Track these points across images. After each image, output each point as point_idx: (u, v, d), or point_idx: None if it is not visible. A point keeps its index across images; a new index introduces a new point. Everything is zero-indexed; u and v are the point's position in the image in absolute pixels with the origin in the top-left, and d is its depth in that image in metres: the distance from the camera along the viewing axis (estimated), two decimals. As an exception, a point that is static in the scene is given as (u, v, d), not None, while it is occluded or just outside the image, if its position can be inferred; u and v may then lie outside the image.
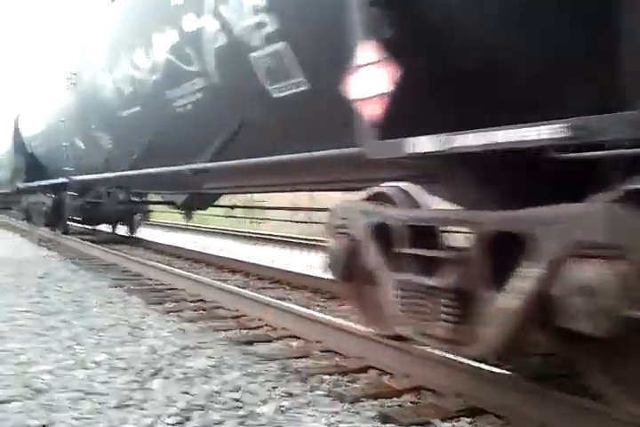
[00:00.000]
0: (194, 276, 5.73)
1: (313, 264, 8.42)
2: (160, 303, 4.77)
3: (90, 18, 8.22)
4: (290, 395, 2.63)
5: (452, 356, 2.68)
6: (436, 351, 2.80)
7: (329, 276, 3.51)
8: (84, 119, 7.79)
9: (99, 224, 11.99)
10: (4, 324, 3.91)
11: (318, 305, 4.91)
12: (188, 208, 8.61)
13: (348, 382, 2.85)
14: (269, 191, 7.66)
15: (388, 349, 3.06)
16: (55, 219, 11.36)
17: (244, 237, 13.31)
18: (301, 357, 3.26)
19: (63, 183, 9.88)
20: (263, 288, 5.76)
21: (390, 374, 2.92)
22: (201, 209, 9.07)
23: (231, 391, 2.66)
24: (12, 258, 7.74)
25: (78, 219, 10.96)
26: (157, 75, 5.06)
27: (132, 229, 11.57)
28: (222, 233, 14.15)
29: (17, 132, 13.38)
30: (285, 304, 4.28)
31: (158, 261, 7.48)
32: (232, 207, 11.65)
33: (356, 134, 2.53)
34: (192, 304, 4.79)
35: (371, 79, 2.39)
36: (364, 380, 2.88)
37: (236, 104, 4.14)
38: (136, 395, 2.60)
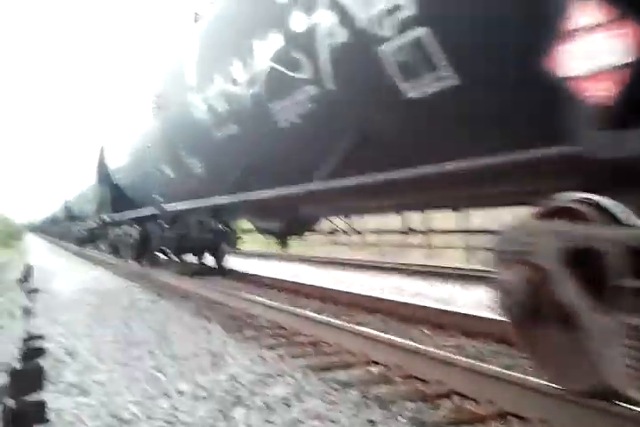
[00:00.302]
0: (271, 302, 5.77)
1: (385, 287, 8.37)
2: (239, 331, 4.83)
3: (172, 39, 8.07)
4: (372, 422, 2.60)
5: (540, 381, 2.60)
6: (525, 376, 2.73)
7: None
8: (171, 144, 7.36)
9: (185, 254, 11.33)
10: (91, 355, 4.04)
11: (393, 329, 4.86)
12: (284, 235, 7.95)
13: (431, 408, 2.80)
14: (390, 212, 6.64)
15: (470, 373, 2.99)
16: (142, 251, 11.15)
17: (320, 262, 13.40)
18: (381, 383, 3.23)
19: (151, 214, 9.56)
20: (339, 313, 5.74)
21: (474, 399, 2.85)
22: (298, 235, 8.24)
23: (312, 419, 2.66)
24: (97, 290, 8.03)
25: (167, 250, 10.45)
26: (257, 87, 4.53)
27: (220, 259, 10.94)
28: (299, 259, 14.24)
29: (101, 164, 13.31)
30: (362, 329, 4.24)
31: (236, 289, 7.57)
32: (333, 232, 9.71)
33: (561, 126, 1.96)
34: (270, 331, 4.82)
35: (597, 48, 1.84)
36: (447, 406, 2.83)
37: (358, 111, 3.63)
38: (219, 424, 2.64)
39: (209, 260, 11.00)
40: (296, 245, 15.45)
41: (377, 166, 3.53)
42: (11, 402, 2.74)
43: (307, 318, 4.87)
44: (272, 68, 4.23)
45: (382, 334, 4.03)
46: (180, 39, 7.28)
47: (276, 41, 4.12)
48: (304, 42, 3.74)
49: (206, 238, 9.60)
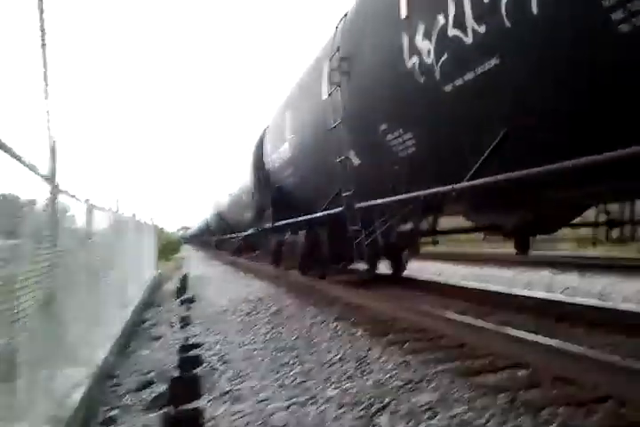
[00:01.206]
0: (414, 305, 5.72)
1: (533, 283, 8.04)
2: (384, 335, 4.84)
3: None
4: (521, 430, 2.52)
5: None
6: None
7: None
8: (364, 119, 5.64)
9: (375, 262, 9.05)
10: (244, 362, 4.23)
11: (544, 328, 4.66)
12: (523, 233, 5.64)
13: (585, 414, 2.66)
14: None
15: (631, 376, 2.81)
16: (310, 259, 9.50)
17: (461, 259, 13.15)
18: (530, 387, 3.11)
19: (326, 216, 7.63)
20: (484, 313, 5.60)
21: (633, 404, 2.67)
22: (544, 233, 5.72)
23: (459, 427, 2.62)
24: (247, 298, 8.37)
25: (349, 257, 8.15)
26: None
27: (401, 268, 9.20)
28: (439, 256, 13.98)
29: (258, 163, 11.94)
30: (509, 330, 4.10)
31: (379, 290, 7.57)
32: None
33: None
34: (415, 335, 4.79)
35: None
36: (603, 411, 2.67)
37: None
38: (365, 431, 2.67)
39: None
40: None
41: None
42: (171, 409, 2.94)
43: (451, 320, 4.79)
44: None
45: (529, 335, 3.87)
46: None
47: None
48: None
49: (391, 243, 7.16)
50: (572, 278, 8.65)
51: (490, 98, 3.65)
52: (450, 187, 4.25)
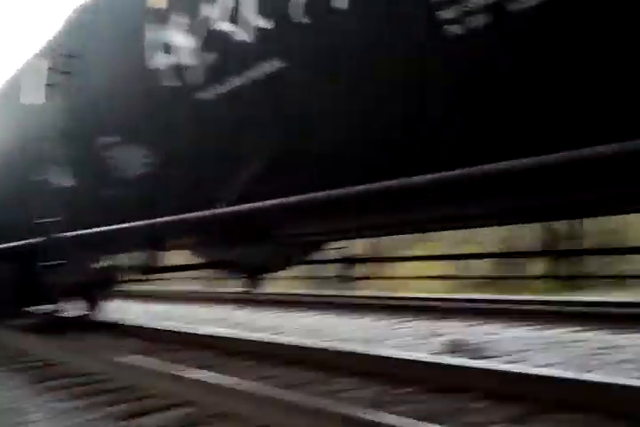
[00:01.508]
0: (79, 348, 5.40)
1: (203, 320, 8.23)
2: (46, 381, 4.46)
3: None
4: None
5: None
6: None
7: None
8: (83, 131, 4.68)
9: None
10: None
11: (215, 365, 4.75)
12: (256, 271, 5.27)
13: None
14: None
15: (284, 407, 3.00)
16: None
17: (137, 296, 12.94)
18: (195, 423, 3.13)
19: (15, 248, 6.40)
20: (159, 351, 5.53)
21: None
22: (276, 270, 5.37)
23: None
24: None
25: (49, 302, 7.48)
26: None
27: (96, 307, 8.25)
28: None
29: None
30: (179, 369, 4.09)
31: (43, 332, 6.96)
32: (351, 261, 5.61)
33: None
34: (80, 379, 4.48)
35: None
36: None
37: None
38: None
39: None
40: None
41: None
42: None
43: (120, 362, 4.60)
44: None
45: (195, 372, 3.92)
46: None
47: None
48: None
49: (88, 281, 6.43)
50: (246, 315, 9.05)
51: (262, 110, 2.94)
52: (175, 218, 3.72)
